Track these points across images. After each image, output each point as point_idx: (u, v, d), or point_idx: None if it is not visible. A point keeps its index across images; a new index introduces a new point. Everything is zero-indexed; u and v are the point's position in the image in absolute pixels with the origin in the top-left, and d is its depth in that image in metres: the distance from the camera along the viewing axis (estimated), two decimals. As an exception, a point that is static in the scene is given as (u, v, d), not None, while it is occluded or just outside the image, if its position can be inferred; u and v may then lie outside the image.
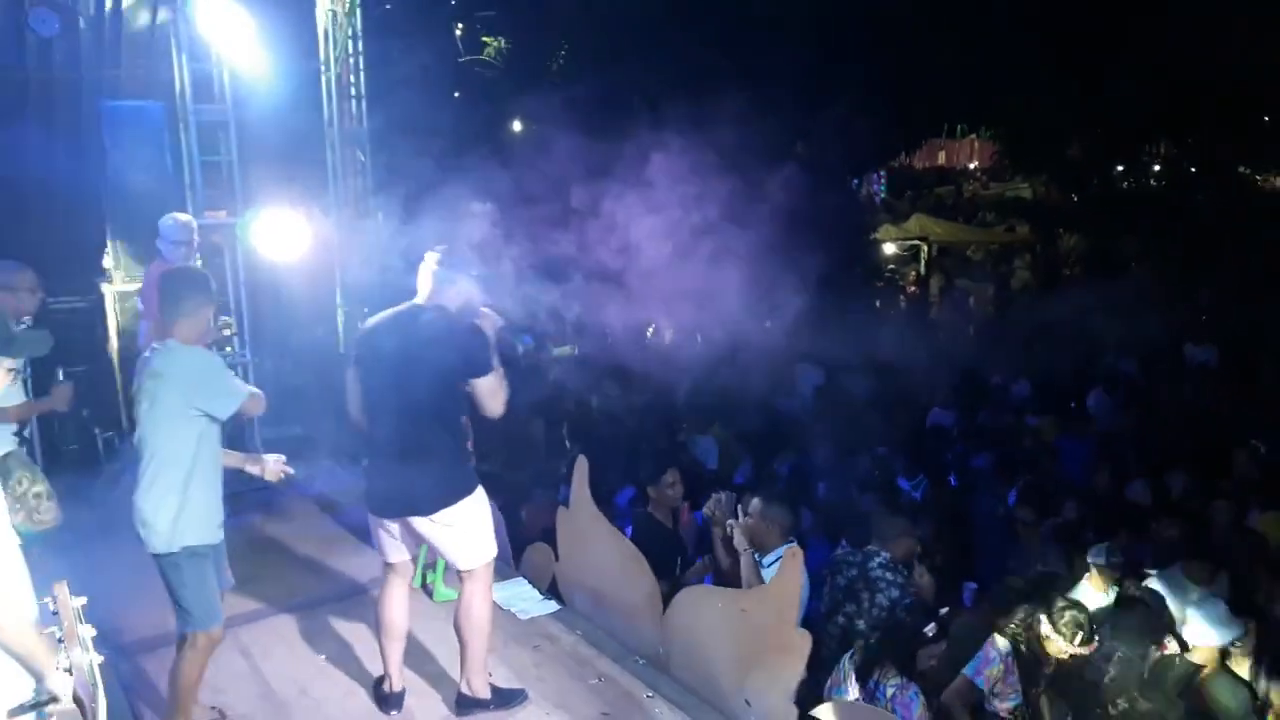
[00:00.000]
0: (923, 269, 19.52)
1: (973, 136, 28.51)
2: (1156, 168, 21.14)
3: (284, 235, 6.95)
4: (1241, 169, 19.32)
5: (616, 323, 10.27)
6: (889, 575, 4.64)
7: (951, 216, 22.61)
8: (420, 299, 3.76)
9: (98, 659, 1.79)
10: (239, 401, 3.51)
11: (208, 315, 3.62)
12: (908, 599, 4.62)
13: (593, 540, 4.86)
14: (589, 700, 4.14)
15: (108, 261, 7.07)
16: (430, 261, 3.76)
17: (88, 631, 1.80)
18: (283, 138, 7.95)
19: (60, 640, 1.78)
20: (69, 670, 1.72)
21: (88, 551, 4.92)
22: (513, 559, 5.44)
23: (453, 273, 3.75)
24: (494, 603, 4.90)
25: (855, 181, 21.07)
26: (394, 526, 3.82)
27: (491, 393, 3.67)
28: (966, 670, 4.30)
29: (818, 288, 10.60)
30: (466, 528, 3.74)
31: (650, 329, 10.85)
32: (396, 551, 3.90)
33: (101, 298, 7.12)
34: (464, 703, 3.97)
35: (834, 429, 8.26)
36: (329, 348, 8.31)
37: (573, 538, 5.02)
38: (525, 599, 4.97)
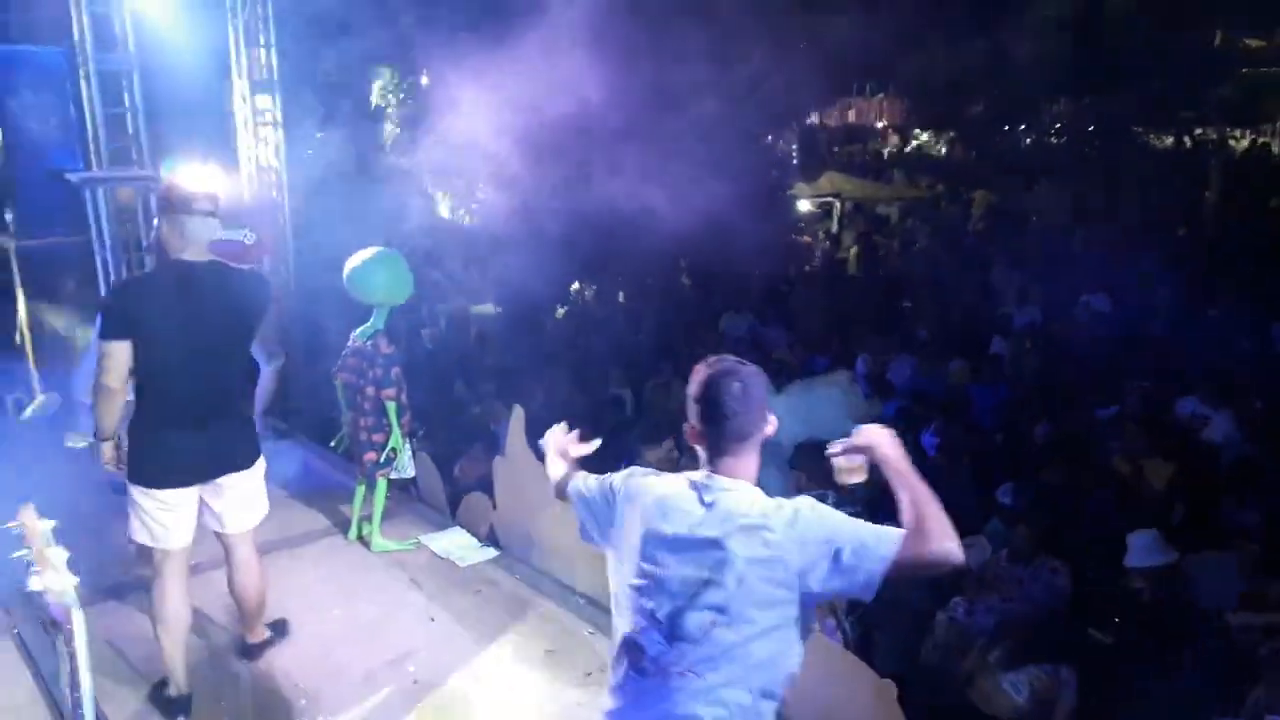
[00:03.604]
0: (835, 226, 19.85)
1: (881, 95, 28.97)
2: (1058, 125, 21.89)
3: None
4: (1135, 128, 20.14)
5: (537, 281, 10.27)
6: None
7: (861, 174, 22.99)
8: (190, 255, 3.38)
9: (73, 580, 1.70)
10: None
11: None
12: None
13: (530, 487, 4.91)
14: (533, 640, 4.22)
15: (7, 215, 6.77)
16: (195, 213, 3.38)
17: (60, 555, 1.71)
18: (188, 89, 7.69)
19: (30, 565, 1.69)
20: (41, 595, 1.66)
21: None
22: (449, 510, 5.48)
23: (216, 223, 3.47)
24: (432, 552, 4.99)
25: (769, 139, 21.26)
26: (189, 497, 3.52)
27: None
28: None
29: (734, 242, 10.76)
30: (261, 479, 3.78)
31: (574, 286, 10.85)
32: (187, 531, 3.56)
33: (3, 253, 6.81)
34: (255, 651, 4.01)
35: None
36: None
37: (510, 486, 5.07)
38: (464, 547, 5.02)
